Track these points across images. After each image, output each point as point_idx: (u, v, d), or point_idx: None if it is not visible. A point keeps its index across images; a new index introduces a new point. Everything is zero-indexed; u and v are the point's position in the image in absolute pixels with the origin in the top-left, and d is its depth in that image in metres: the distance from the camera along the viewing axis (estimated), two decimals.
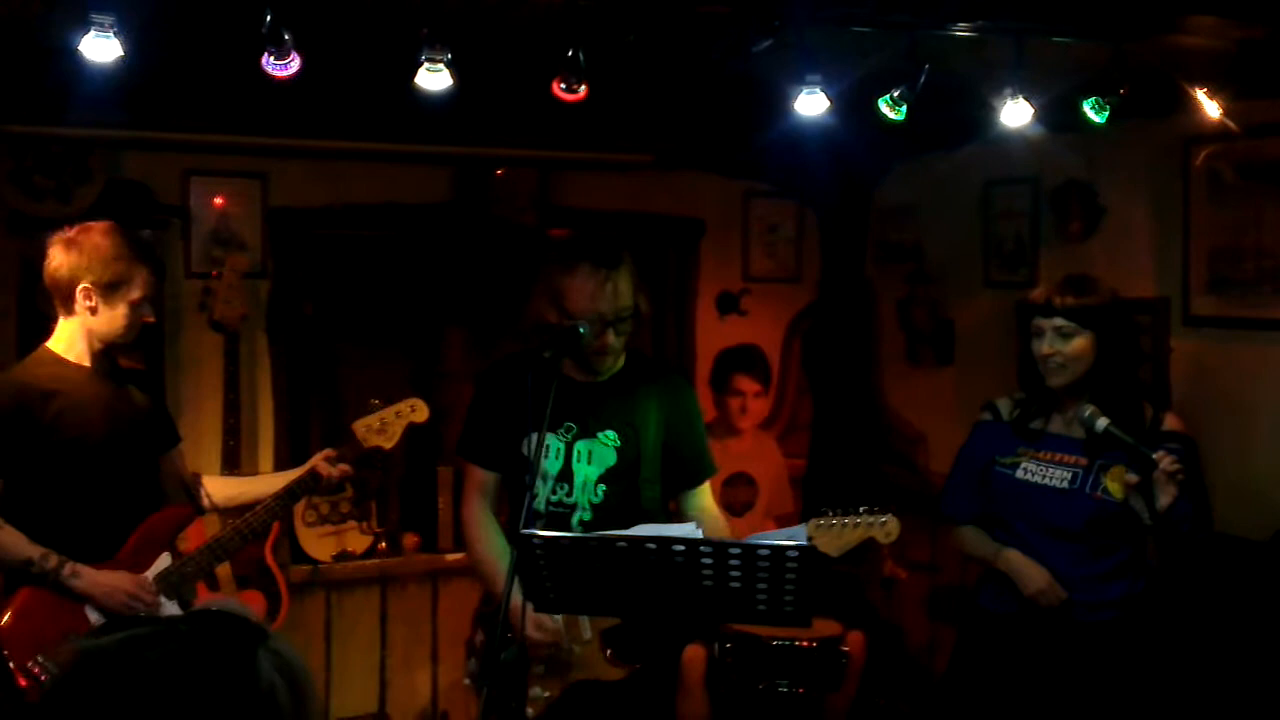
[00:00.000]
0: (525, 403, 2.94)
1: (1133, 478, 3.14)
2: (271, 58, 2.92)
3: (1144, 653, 3.35)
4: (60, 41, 2.89)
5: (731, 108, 4.50)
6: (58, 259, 3.16)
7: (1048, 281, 3.44)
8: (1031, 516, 3.38)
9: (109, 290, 3.16)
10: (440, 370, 5.24)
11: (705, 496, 3.40)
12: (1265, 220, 3.93)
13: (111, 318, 3.19)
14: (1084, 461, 3.34)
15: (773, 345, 5.45)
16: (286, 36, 2.89)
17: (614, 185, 5.25)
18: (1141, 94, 3.53)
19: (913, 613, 5.26)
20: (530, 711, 3.10)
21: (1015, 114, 3.46)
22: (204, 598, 3.46)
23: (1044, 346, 3.33)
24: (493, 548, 3.26)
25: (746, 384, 4.84)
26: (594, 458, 3.26)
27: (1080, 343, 3.30)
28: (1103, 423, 3.16)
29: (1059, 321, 3.30)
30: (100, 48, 2.80)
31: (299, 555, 4.79)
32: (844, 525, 3.07)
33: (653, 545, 2.44)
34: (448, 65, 3.03)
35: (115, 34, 2.79)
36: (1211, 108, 3.67)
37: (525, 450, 3.17)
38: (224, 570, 3.60)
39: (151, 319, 3.29)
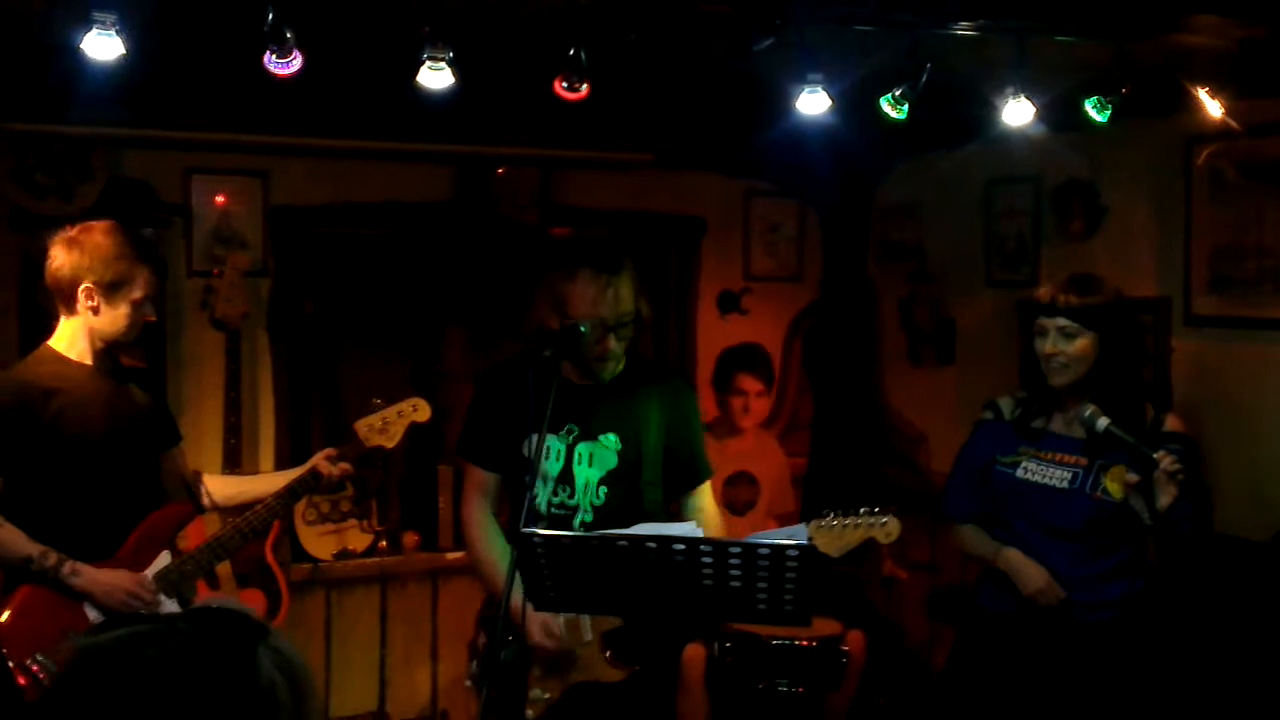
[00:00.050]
0: (526, 404, 2.95)
1: (1133, 477, 3.14)
2: (273, 56, 2.92)
3: (1143, 653, 3.35)
4: (62, 39, 2.89)
5: (733, 106, 4.50)
6: (59, 258, 3.16)
7: (1052, 280, 3.42)
8: (1031, 516, 3.38)
9: (111, 290, 3.16)
10: (441, 369, 5.24)
11: (703, 497, 3.40)
12: (1267, 219, 3.93)
13: (113, 317, 3.19)
14: (1084, 461, 3.34)
15: (774, 344, 5.44)
16: (288, 35, 2.89)
17: (615, 184, 5.25)
18: (1143, 93, 3.53)
19: (912, 612, 5.26)
20: (530, 713, 3.09)
21: (1017, 113, 3.46)
22: (204, 596, 3.45)
23: (1047, 346, 3.33)
24: (493, 548, 3.26)
25: (749, 383, 4.84)
26: (595, 460, 3.26)
27: (1083, 343, 3.30)
28: (1103, 422, 3.16)
29: (1062, 322, 3.30)
30: (102, 45, 2.80)
31: (299, 554, 4.79)
32: (844, 526, 3.07)
33: (653, 544, 2.44)
34: (449, 64, 3.03)
35: (117, 32, 2.79)
36: (1213, 107, 3.66)
37: (526, 451, 3.17)
38: (224, 568, 3.61)
39: (153, 318, 3.29)
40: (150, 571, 3.26)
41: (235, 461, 4.37)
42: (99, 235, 3.16)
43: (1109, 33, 3.36)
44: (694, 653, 4.07)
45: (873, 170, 5.53)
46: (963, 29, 3.27)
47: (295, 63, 2.94)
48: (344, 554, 4.87)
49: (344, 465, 3.47)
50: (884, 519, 3.07)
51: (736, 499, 4.83)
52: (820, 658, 4.17)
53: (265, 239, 4.74)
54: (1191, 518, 3.16)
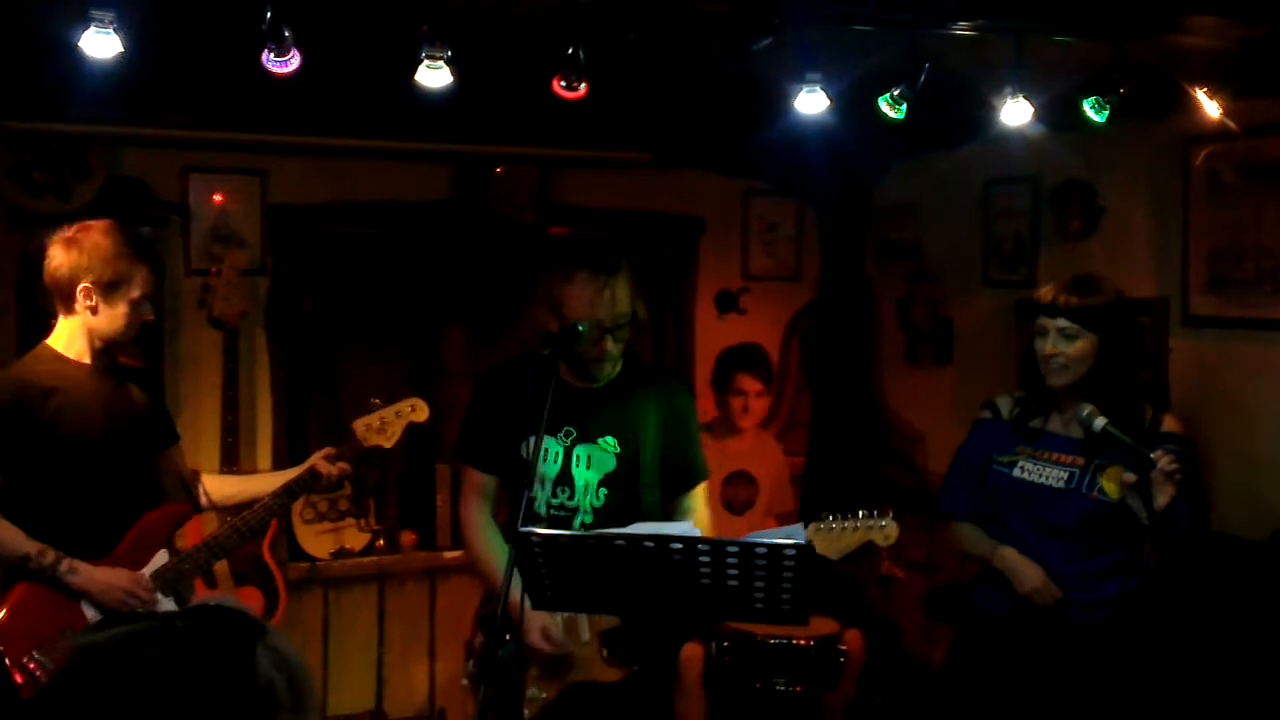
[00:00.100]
0: (523, 405, 2.95)
1: (1131, 477, 3.15)
2: (271, 54, 2.92)
3: (1138, 652, 3.35)
4: (60, 37, 2.88)
5: (731, 106, 4.50)
6: (58, 258, 3.15)
7: (1055, 281, 3.42)
8: (1027, 515, 3.39)
9: (109, 289, 3.16)
10: (439, 368, 5.24)
11: (697, 499, 3.40)
12: (1265, 220, 3.93)
13: (112, 316, 3.19)
14: (1081, 461, 3.34)
15: (772, 344, 5.45)
16: (286, 33, 2.89)
17: (614, 183, 5.25)
18: (1141, 93, 3.53)
19: (910, 611, 5.27)
20: (527, 713, 3.10)
21: (1015, 113, 3.46)
22: (201, 595, 3.46)
23: (1047, 346, 3.33)
24: (492, 547, 3.26)
25: (749, 383, 4.84)
26: (593, 462, 3.26)
27: (1083, 345, 3.30)
28: (1100, 422, 3.16)
29: (1063, 323, 3.30)
30: (100, 44, 2.80)
31: (297, 552, 4.79)
32: (843, 529, 3.07)
33: (650, 544, 2.45)
34: (448, 63, 3.03)
35: (115, 30, 2.78)
36: (1211, 107, 3.67)
37: (524, 453, 3.18)
38: (221, 568, 3.60)
39: (151, 317, 3.29)
40: (148, 570, 3.27)
41: (233, 460, 4.37)
42: (97, 235, 3.16)
43: (1107, 33, 3.36)
44: (692, 652, 4.07)
45: (871, 170, 5.53)
46: (961, 29, 3.27)
47: (293, 61, 2.94)
48: (341, 553, 4.87)
49: (342, 465, 3.47)
50: (883, 522, 3.08)
51: (735, 498, 4.83)
52: (818, 657, 4.17)
53: (263, 238, 4.73)
54: (1189, 517, 3.16)
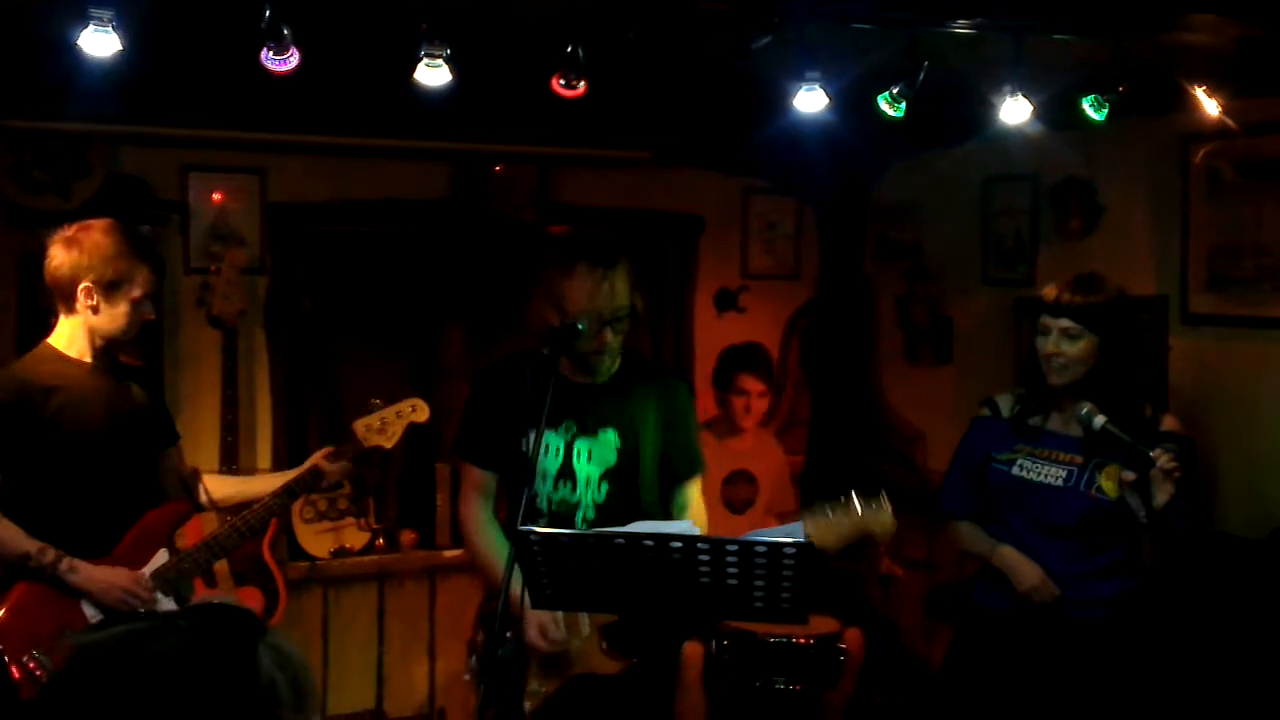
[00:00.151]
0: (523, 402, 2.96)
1: (1129, 475, 3.15)
2: (270, 53, 2.92)
3: (1137, 650, 3.36)
4: (59, 36, 2.88)
5: (731, 104, 4.50)
6: (59, 257, 3.15)
7: (1059, 279, 3.42)
8: (1026, 513, 3.39)
9: (110, 289, 3.16)
10: (439, 367, 5.24)
11: (692, 492, 3.40)
12: (1264, 218, 3.93)
13: (113, 316, 3.19)
14: (1079, 460, 3.34)
15: (771, 342, 5.44)
16: (285, 31, 2.89)
17: (613, 182, 5.25)
18: (1141, 91, 3.53)
19: (910, 610, 5.27)
20: (528, 706, 3.10)
21: (1014, 111, 3.46)
22: (201, 594, 3.46)
23: (1049, 345, 3.33)
24: (492, 544, 3.26)
25: (751, 383, 4.83)
26: (594, 456, 3.27)
27: (1085, 345, 3.30)
28: (1100, 420, 3.17)
29: (1066, 323, 3.30)
30: (99, 42, 2.80)
31: (296, 552, 4.78)
32: (840, 517, 3.02)
33: (650, 542, 2.45)
34: (447, 61, 3.03)
35: (114, 28, 2.79)
36: (1211, 105, 3.67)
37: (524, 449, 3.18)
38: (221, 567, 3.60)
39: (152, 316, 3.29)
40: (148, 570, 3.26)
41: (232, 459, 4.37)
42: (98, 234, 3.16)
43: (1107, 31, 3.36)
44: (691, 651, 4.06)
45: (870, 168, 5.53)
46: (960, 27, 3.27)
47: (292, 60, 2.94)
48: (341, 552, 4.86)
49: (344, 464, 3.47)
50: (875, 503, 3.01)
51: (736, 498, 4.83)
52: (818, 655, 4.17)
53: (262, 236, 4.73)
54: (1187, 515, 3.16)
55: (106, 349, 3.26)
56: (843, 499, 3.04)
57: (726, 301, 5.54)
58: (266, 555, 3.94)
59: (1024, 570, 3.36)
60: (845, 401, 5.68)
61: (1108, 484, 3.28)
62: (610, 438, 3.27)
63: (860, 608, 4.91)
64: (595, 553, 2.50)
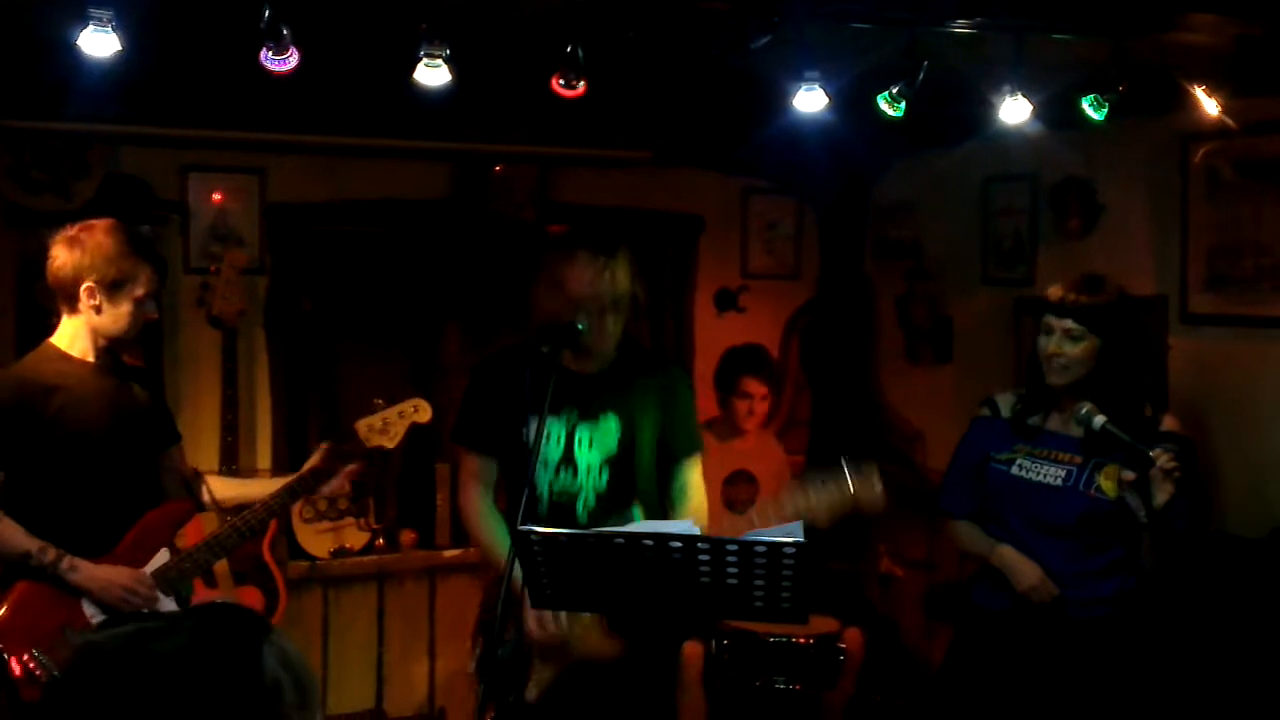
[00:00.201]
0: (523, 394, 2.97)
1: (1129, 475, 3.15)
2: (270, 53, 2.92)
3: (1137, 649, 3.36)
4: (58, 36, 2.88)
5: (730, 104, 4.50)
6: (61, 258, 3.15)
7: (1063, 280, 3.42)
8: (1025, 513, 3.39)
9: (113, 289, 3.16)
10: (439, 366, 5.23)
11: (692, 473, 3.38)
12: (1264, 218, 3.93)
13: (115, 316, 3.19)
14: (1079, 459, 3.34)
15: (771, 342, 5.44)
16: (285, 31, 2.89)
17: (613, 182, 5.25)
18: (1140, 91, 3.53)
19: (909, 609, 5.27)
20: (530, 693, 3.10)
21: (1014, 111, 3.46)
22: (201, 594, 3.46)
23: (1050, 345, 3.33)
24: (494, 532, 3.27)
25: (755, 386, 4.82)
26: (595, 443, 3.27)
27: (1086, 346, 3.30)
28: (1099, 420, 3.17)
29: (1069, 324, 3.30)
30: (98, 42, 2.80)
31: (296, 551, 4.78)
32: (830, 486, 2.96)
33: (650, 542, 2.45)
34: (446, 61, 3.03)
35: (113, 28, 2.78)
36: (1210, 105, 3.67)
37: (525, 438, 3.18)
38: (221, 567, 3.60)
39: (155, 316, 3.29)
40: (149, 569, 3.26)
41: (232, 459, 4.37)
42: (100, 234, 3.16)
43: (1106, 30, 3.36)
44: (691, 650, 4.07)
45: (870, 168, 5.53)
46: (960, 26, 3.27)
47: (292, 60, 2.94)
48: (341, 552, 4.87)
49: (351, 469, 3.48)
50: (864, 470, 2.95)
51: (736, 497, 4.83)
52: (818, 655, 4.17)
53: (262, 236, 4.73)
54: (1188, 515, 3.16)
55: (109, 349, 3.26)
56: (832, 469, 3.00)
57: (726, 301, 5.54)
58: (266, 555, 3.94)
59: (1023, 570, 3.36)
60: (845, 401, 5.68)
61: (1107, 484, 3.28)
62: (611, 424, 3.27)
63: (860, 607, 4.91)
64: (595, 552, 2.50)
